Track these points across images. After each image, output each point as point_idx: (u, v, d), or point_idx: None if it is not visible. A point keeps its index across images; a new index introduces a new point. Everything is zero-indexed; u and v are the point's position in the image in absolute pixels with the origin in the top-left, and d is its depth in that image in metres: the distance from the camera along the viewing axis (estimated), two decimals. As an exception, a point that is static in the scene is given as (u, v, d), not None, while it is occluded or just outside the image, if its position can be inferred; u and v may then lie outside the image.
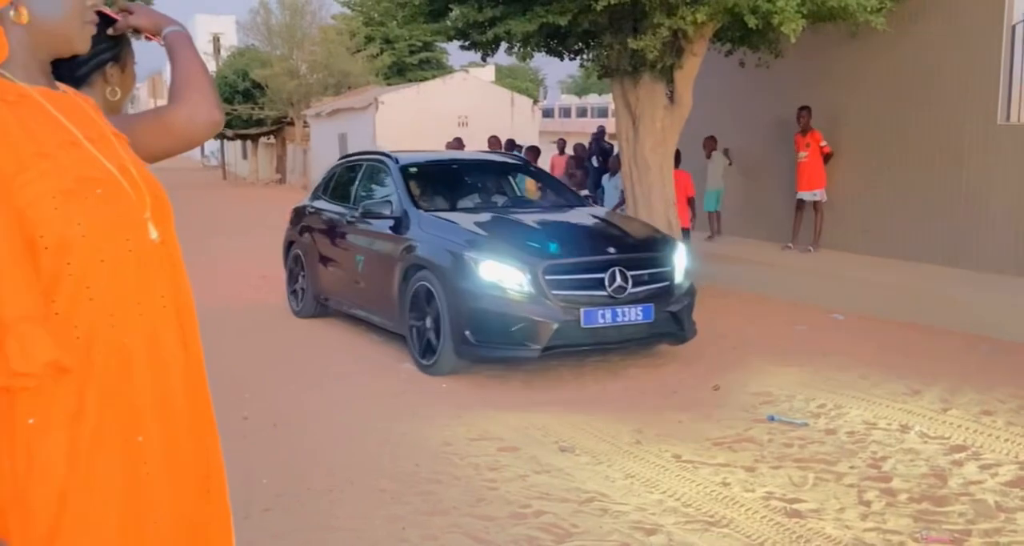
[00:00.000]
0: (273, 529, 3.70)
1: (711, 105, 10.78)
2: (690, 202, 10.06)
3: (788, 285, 9.03)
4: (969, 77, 8.70)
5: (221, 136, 33.63)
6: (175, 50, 1.84)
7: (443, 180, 7.90)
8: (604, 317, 5.82)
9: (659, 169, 8.85)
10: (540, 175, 8.69)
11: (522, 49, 9.12)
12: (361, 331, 7.58)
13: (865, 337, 7.23)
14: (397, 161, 7.43)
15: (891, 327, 7.55)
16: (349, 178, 8.15)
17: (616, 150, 11.55)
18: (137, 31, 1.90)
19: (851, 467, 4.32)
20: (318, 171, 27.46)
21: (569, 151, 16.79)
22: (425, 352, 6.21)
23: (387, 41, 37.19)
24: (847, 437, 4.77)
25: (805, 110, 9.96)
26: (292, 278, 8.56)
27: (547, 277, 5.80)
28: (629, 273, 5.93)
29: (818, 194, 10.08)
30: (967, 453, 4.49)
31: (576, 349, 5.99)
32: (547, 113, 43.84)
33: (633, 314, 5.90)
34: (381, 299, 6.82)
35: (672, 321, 6.15)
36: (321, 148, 29.61)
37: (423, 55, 39.40)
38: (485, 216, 6.92)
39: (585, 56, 9.86)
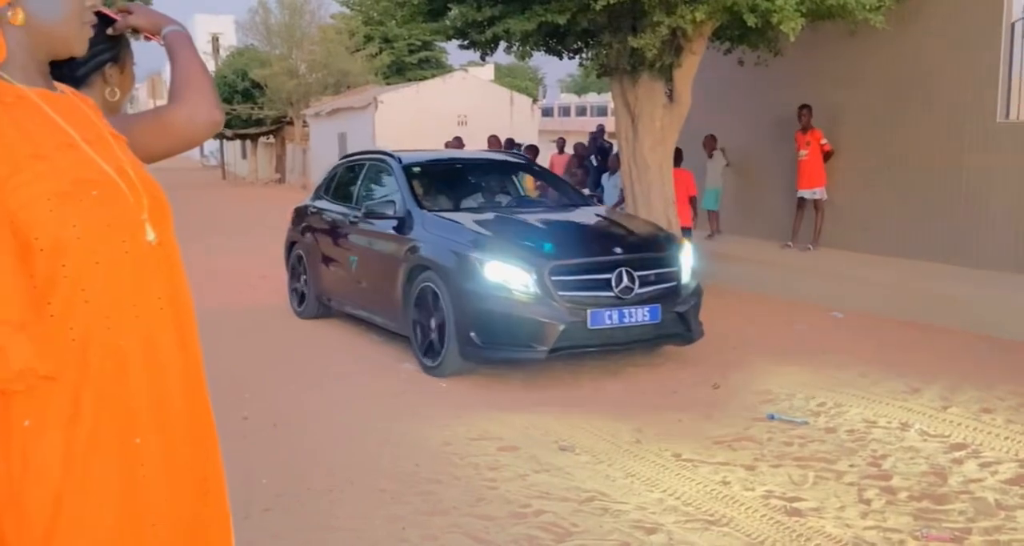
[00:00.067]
0: (273, 529, 3.70)
1: (710, 104, 10.78)
2: (692, 201, 10.05)
3: (787, 284, 9.03)
4: (968, 75, 8.70)
5: (220, 136, 33.64)
6: (174, 50, 1.83)
7: (447, 180, 7.84)
8: (611, 318, 5.77)
9: (658, 168, 8.84)
10: (544, 174, 8.64)
11: (521, 48, 9.12)
12: (361, 331, 7.58)
13: (865, 335, 7.23)
14: (400, 160, 7.37)
15: (891, 325, 7.56)
16: (351, 178, 8.10)
17: (615, 149, 11.55)
18: (136, 31, 1.90)
19: (851, 465, 4.32)
20: (317, 171, 27.47)
21: (569, 150, 16.79)
22: (429, 353, 6.17)
23: (386, 40, 37.17)
24: (847, 435, 4.77)
25: (806, 108, 9.96)
26: (294, 279, 8.51)
27: (553, 278, 5.75)
28: (636, 273, 5.87)
29: (818, 192, 10.08)
30: (967, 451, 4.49)
31: (583, 351, 5.94)
32: (546, 112, 43.82)
33: (640, 315, 5.85)
34: (384, 300, 6.78)
35: (679, 322, 6.10)
36: (320, 148, 29.61)
37: (422, 54, 39.38)
38: (489, 216, 6.87)
39: (584, 55, 9.85)
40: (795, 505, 3.84)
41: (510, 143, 15.16)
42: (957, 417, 5.03)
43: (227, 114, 26.12)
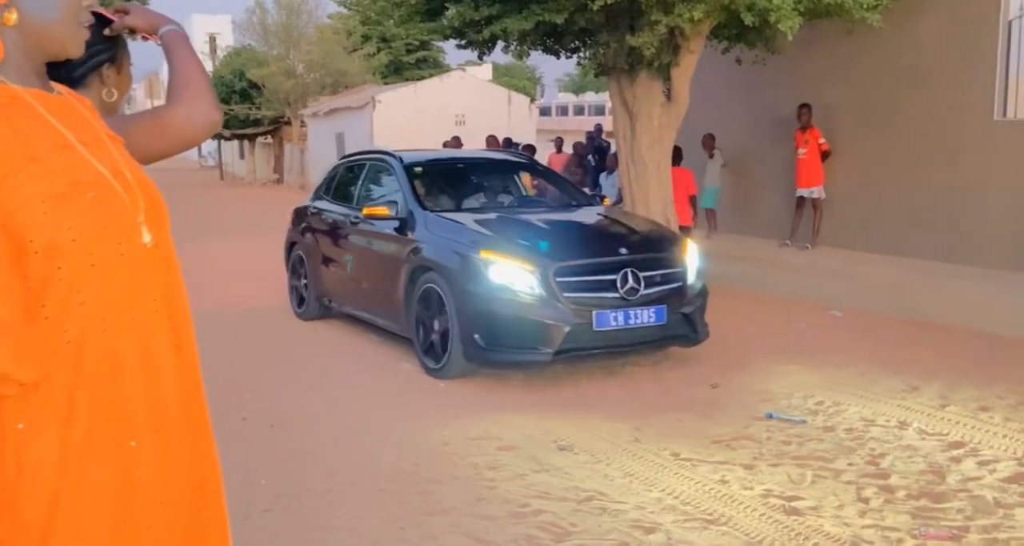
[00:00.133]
0: (273, 529, 3.70)
1: (708, 103, 10.78)
2: (692, 200, 10.04)
3: (786, 282, 9.03)
4: (966, 73, 8.70)
5: (218, 136, 33.63)
6: (172, 50, 1.83)
7: (449, 179, 7.78)
8: (616, 320, 5.70)
9: (656, 167, 8.84)
10: (547, 174, 8.56)
11: (518, 47, 9.11)
12: (359, 331, 7.58)
13: (863, 334, 7.24)
14: (401, 160, 7.30)
15: (889, 323, 7.56)
16: (351, 178, 8.04)
17: (613, 148, 11.55)
18: (133, 31, 1.89)
19: (849, 464, 4.32)
20: (315, 171, 27.47)
21: (567, 149, 16.78)
22: (432, 356, 6.11)
23: (384, 40, 37.18)
24: (845, 434, 4.78)
25: (806, 107, 9.96)
26: (294, 280, 8.46)
27: (558, 279, 5.68)
28: (641, 274, 5.81)
29: (816, 191, 10.08)
30: (965, 449, 4.49)
31: (588, 353, 5.83)
32: (544, 111, 43.83)
33: (646, 316, 5.79)
34: (386, 302, 6.72)
35: (685, 323, 6.05)
36: (318, 148, 29.60)
37: (420, 54, 39.39)
38: (492, 216, 6.81)
39: (582, 54, 9.85)
40: (793, 504, 3.84)
41: (508, 142, 15.16)
42: (955, 415, 5.03)
43: (225, 114, 26.05)
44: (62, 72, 1.66)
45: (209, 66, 35.65)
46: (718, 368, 6.16)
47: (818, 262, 9.45)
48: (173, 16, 1.97)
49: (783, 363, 6.27)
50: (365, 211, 6.94)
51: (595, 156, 15.08)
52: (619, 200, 10.02)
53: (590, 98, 48.80)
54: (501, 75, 49.45)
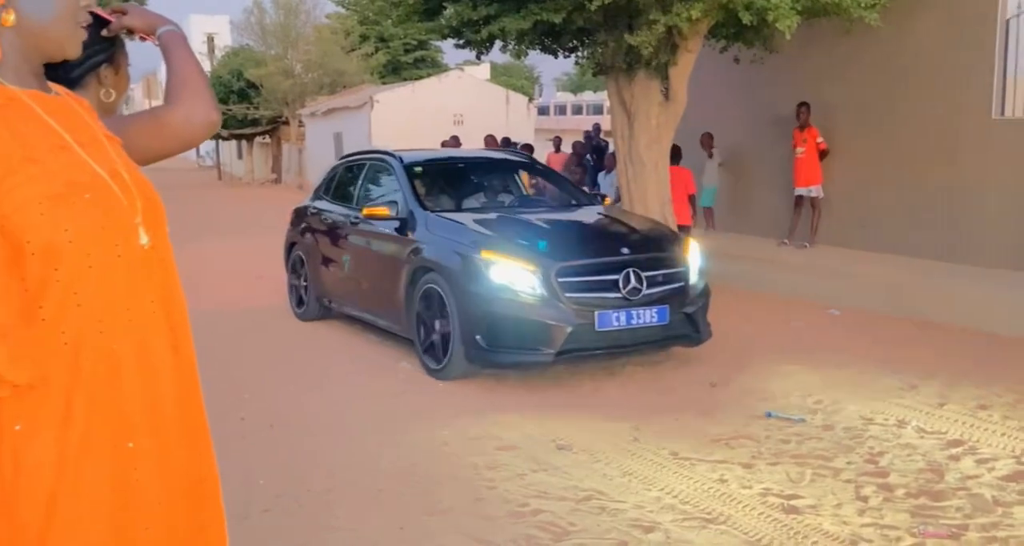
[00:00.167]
0: (272, 530, 3.70)
1: (706, 102, 10.78)
2: (691, 199, 10.04)
3: (784, 281, 9.03)
4: (964, 72, 8.71)
5: (216, 136, 33.60)
6: (170, 50, 1.83)
7: (449, 179, 7.74)
8: (618, 320, 5.66)
9: (654, 166, 8.84)
10: (547, 173, 8.53)
11: (516, 47, 9.11)
12: (357, 331, 7.57)
13: (861, 332, 7.24)
14: (401, 160, 7.26)
15: (887, 322, 7.57)
16: (351, 178, 8.01)
17: (611, 147, 11.55)
18: (131, 32, 1.89)
19: (848, 462, 4.33)
20: (314, 171, 27.47)
21: (565, 149, 16.78)
22: (434, 357, 6.07)
23: (382, 40, 37.18)
24: (844, 433, 4.78)
25: (804, 106, 9.96)
26: (294, 280, 8.42)
27: (560, 279, 5.64)
28: (643, 274, 5.78)
29: (814, 190, 10.09)
30: (964, 448, 4.50)
31: (590, 353, 5.80)
32: (542, 111, 43.84)
33: (648, 316, 5.75)
34: (387, 302, 6.68)
35: (687, 323, 6.01)
36: (316, 147, 29.59)
37: (418, 53, 39.39)
38: (493, 216, 6.78)
39: (580, 53, 9.84)
40: (792, 503, 3.84)
41: (506, 142, 15.15)
42: (954, 414, 5.04)
43: (223, 114, 26.06)
44: (60, 73, 1.66)
45: (207, 66, 35.65)
46: (717, 367, 6.16)
47: (816, 261, 9.45)
48: (171, 16, 1.97)
49: (782, 362, 6.27)
50: (365, 211, 6.90)
51: (593, 155, 15.08)
52: (617, 199, 10.02)
53: (588, 97, 48.81)
54: (499, 74, 49.44)
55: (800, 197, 10.21)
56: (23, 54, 1.43)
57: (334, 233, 7.70)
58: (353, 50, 33.02)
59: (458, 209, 7.02)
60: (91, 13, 1.66)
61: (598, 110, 39.62)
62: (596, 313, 5.63)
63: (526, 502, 3.90)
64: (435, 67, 38.66)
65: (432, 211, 6.65)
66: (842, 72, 9.95)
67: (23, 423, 1.28)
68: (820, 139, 9.92)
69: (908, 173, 9.29)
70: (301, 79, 31.93)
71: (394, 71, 37.99)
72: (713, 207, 11.59)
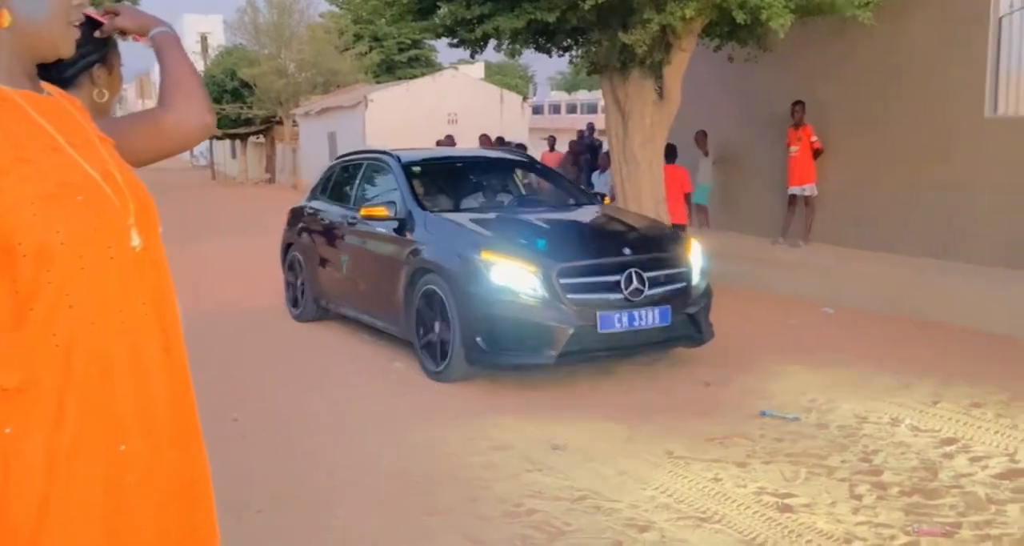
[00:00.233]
0: (268, 530, 3.69)
1: (700, 101, 10.79)
2: (687, 198, 10.05)
3: (779, 280, 9.04)
4: (957, 70, 8.73)
5: (210, 136, 33.52)
6: (163, 52, 1.82)
7: (448, 179, 7.66)
8: (621, 321, 5.60)
9: (648, 165, 8.85)
10: (547, 172, 8.46)
11: (511, 46, 9.11)
12: (353, 331, 7.56)
13: (856, 331, 7.26)
14: (399, 159, 7.17)
15: (881, 321, 7.58)
16: (348, 178, 7.93)
17: (605, 146, 11.57)
18: (124, 33, 1.89)
19: (842, 461, 4.33)
20: (307, 170, 27.46)
21: (560, 148, 16.79)
22: (434, 359, 6.00)
23: (376, 39, 37.16)
24: (838, 431, 4.79)
25: (799, 105, 9.98)
26: (291, 282, 8.34)
27: (561, 280, 5.58)
28: (645, 275, 5.71)
29: (808, 189, 10.11)
30: (957, 446, 4.51)
31: (593, 355, 5.75)
32: (537, 110, 43.84)
33: (650, 318, 5.68)
34: (386, 304, 6.60)
35: (689, 323, 5.96)
36: (310, 147, 29.57)
37: (412, 53, 39.38)
38: (493, 216, 6.72)
39: (574, 52, 9.85)
40: (787, 501, 3.85)
41: (500, 141, 15.16)
42: (948, 412, 5.05)
43: (216, 114, 26.02)
44: (52, 73, 1.66)
45: (200, 66, 35.57)
46: (711, 366, 6.16)
47: (810, 259, 9.47)
48: (164, 15, 1.96)
49: (776, 361, 6.28)
50: (363, 212, 6.82)
51: (587, 155, 15.09)
52: (612, 198, 10.02)
53: (583, 96, 48.83)
54: (493, 73, 49.43)
55: (794, 196, 10.23)
56: (16, 54, 1.42)
57: (331, 234, 7.63)
58: (347, 49, 33.01)
59: (457, 209, 6.95)
60: (84, 15, 1.65)
61: (592, 109, 39.62)
62: (598, 314, 5.56)
63: (521, 502, 3.90)
64: (429, 66, 38.65)
65: (431, 211, 6.58)
66: (836, 71, 9.97)
67: (13, 426, 1.28)
68: (815, 138, 9.94)
69: (902, 171, 9.32)
70: (295, 78, 31.89)
71: (388, 70, 37.98)
72: (707, 205, 11.61)
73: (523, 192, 8.01)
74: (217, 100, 31.10)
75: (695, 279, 6.10)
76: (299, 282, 8.15)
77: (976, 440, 4.59)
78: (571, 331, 5.51)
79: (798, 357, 6.36)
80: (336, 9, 38.53)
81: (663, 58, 8.36)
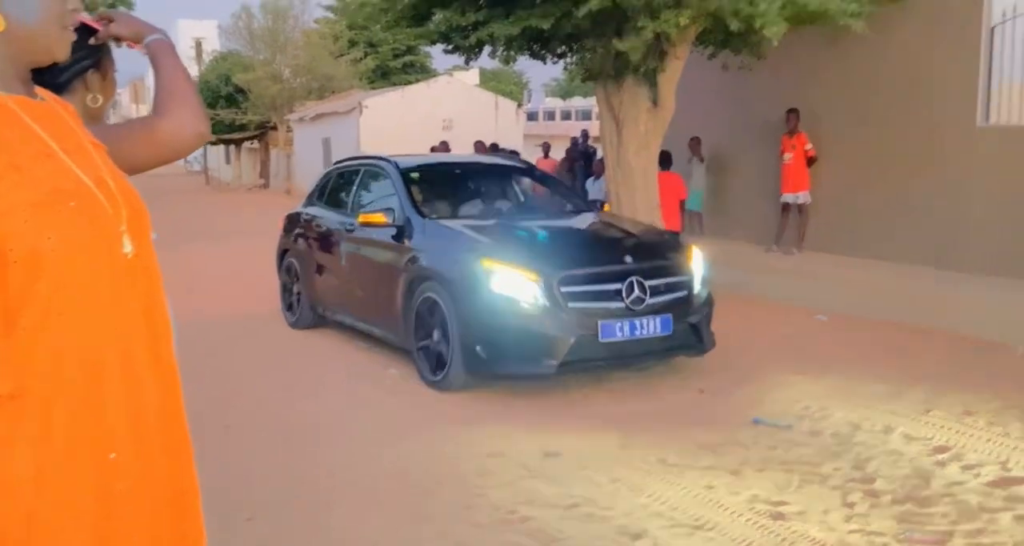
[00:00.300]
0: (260, 537, 3.67)
1: (695, 108, 10.82)
2: (682, 205, 10.06)
3: (772, 287, 9.06)
4: (949, 80, 8.78)
5: (203, 141, 33.45)
6: (158, 59, 1.82)
7: (446, 185, 7.59)
8: (622, 330, 5.53)
9: (643, 172, 8.86)
10: (546, 179, 8.41)
11: (505, 52, 9.11)
12: (347, 338, 7.54)
13: (849, 338, 7.27)
14: (397, 165, 7.12)
15: (875, 328, 7.59)
16: (345, 184, 7.87)
17: (599, 153, 11.59)
18: (119, 40, 1.89)
19: (835, 469, 4.34)
20: (302, 176, 27.44)
21: (554, 155, 16.83)
22: (433, 368, 5.93)
23: (370, 45, 37.18)
24: (831, 439, 4.79)
25: (793, 112, 10.02)
26: (287, 288, 8.28)
27: (563, 288, 5.50)
28: (647, 283, 5.65)
29: (802, 196, 10.14)
30: (950, 454, 4.51)
31: (594, 365, 5.71)
32: (531, 116, 43.90)
33: (652, 327, 5.62)
34: (384, 311, 6.52)
35: (691, 333, 5.91)
36: (305, 153, 29.55)
37: (407, 59, 39.41)
38: (493, 223, 6.64)
39: (569, 59, 9.86)
40: (780, 509, 3.85)
41: (495, 148, 15.18)
42: (940, 420, 5.06)
43: (210, 119, 26.01)
44: (46, 77, 1.65)
45: (195, 71, 35.60)
46: (705, 374, 6.16)
47: (804, 267, 9.49)
48: (158, 21, 1.97)
49: (770, 368, 6.28)
50: (361, 218, 6.72)
51: (581, 161, 15.13)
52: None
53: (577, 103, 48.94)
54: (488, 80, 49.48)
55: (787, 203, 10.25)
56: (9, 59, 1.42)
57: (328, 240, 7.56)
58: (342, 55, 33.00)
59: (456, 216, 6.89)
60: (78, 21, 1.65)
61: (587, 116, 39.73)
62: (599, 323, 5.49)
63: (515, 509, 3.90)
64: (424, 72, 38.67)
65: (430, 218, 6.53)
66: (829, 79, 10.02)
67: (2, 433, 1.27)
68: (809, 145, 9.97)
69: (895, 179, 9.35)
70: (289, 84, 31.88)
71: (383, 76, 37.99)
72: (702, 211, 11.63)
73: (522, 199, 7.95)
74: (211, 105, 31.08)
75: (696, 287, 6.06)
76: (295, 289, 8.08)
77: (968, 448, 4.59)
78: (572, 340, 5.44)
79: (791, 365, 6.36)
80: (331, 15, 38.57)
81: (657, 66, 8.38)
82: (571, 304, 5.52)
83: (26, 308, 1.29)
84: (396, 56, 38.92)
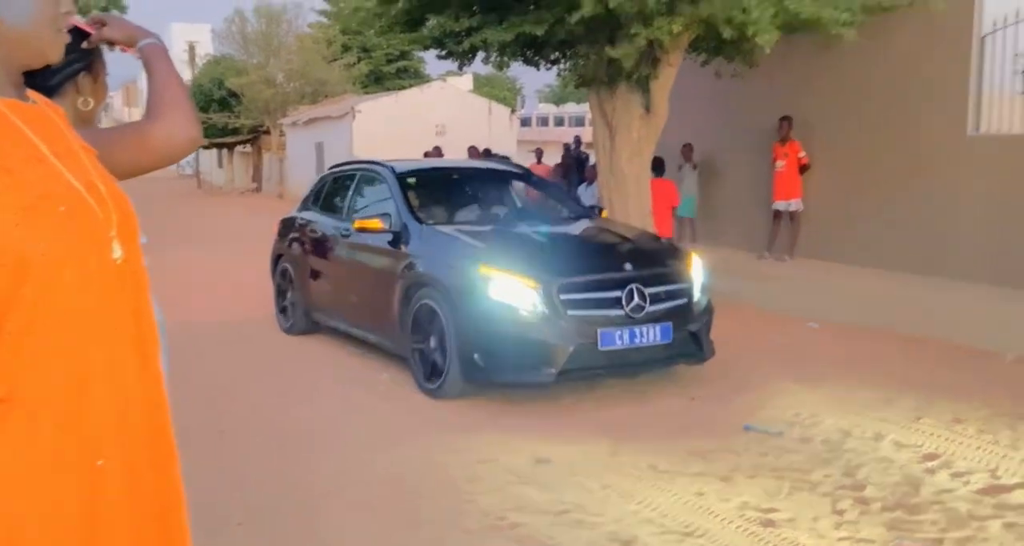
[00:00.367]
0: (251, 543, 3.66)
1: (687, 115, 10.85)
2: (674, 212, 10.07)
3: (763, 294, 9.08)
4: (940, 88, 8.83)
5: (196, 145, 33.40)
6: (151, 63, 1.82)
7: (443, 190, 7.51)
8: (622, 338, 5.47)
9: (635, 179, 8.88)
10: (543, 185, 8.37)
11: (499, 58, 9.12)
12: (340, 344, 7.52)
13: (840, 346, 7.28)
14: (394, 170, 7.04)
15: (866, 335, 7.61)
16: (341, 188, 7.80)
17: (591, 160, 11.61)
18: (111, 44, 1.88)
19: (825, 476, 4.34)
20: (294, 180, 27.42)
21: (547, 161, 16.84)
22: (430, 376, 5.86)
23: (364, 50, 37.17)
24: (822, 446, 4.80)
25: (786, 120, 10.05)
26: (281, 294, 8.20)
27: (562, 296, 5.44)
28: (647, 291, 5.60)
29: (794, 204, 10.17)
30: (939, 461, 4.52)
31: (593, 373, 5.66)
32: (525, 122, 43.98)
33: (651, 335, 5.56)
34: (380, 318, 6.46)
35: (691, 341, 5.88)
36: (297, 157, 29.54)
37: (400, 64, 39.42)
38: (490, 229, 6.59)
39: (562, 65, 9.89)
40: (770, 516, 3.85)
41: (487, 153, 15.19)
42: (930, 427, 5.07)
43: (203, 123, 25.96)
44: (37, 80, 1.65)
45: (188, 75, 35.50)
46: (696, 380, 6.17)
47: (795, 274, 9.52)
48: (152, 24, 1.97)
49: (761, 375, 6.29)
50: (357, 224, 6.64)
51: (574, 167, 15.15)
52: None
53: (570, 109, 49.01)
54: (482, 85, 49.51)
55: (778, 211, 10.28)
56: (1, 61, 1.41)
57: (323, 245, 7.51)
58: (335, 60, 33.00)
59: (453, 221, 6.83)
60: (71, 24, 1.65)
61: (580, 122, 39.78)
62: (599, 331, 5.44)
63: (505, 515, 3.89)
64: (417, 77, 38.70)
65: (426, 223, 6.47)
66: (820, 87, 10.06)
67: None
68: (802, 153, 10.01)
69: (886, 187, 9.39)
70: (282, 88, 31.86)
71: (376, 81, 37.99)
72: (694, 218, 11.64)
73: (519, 204, 7.89)
74: (204, 109, 31.04)
75: (696, 295, 6.02)
76: (289, 294, 8.02)
77: (958, 455, 4.61)
78: (571, 348, 5.39)
79: (783, 372, 6.37)
80: (325, 19, 38.54)
81: (650, 72, 8.41)
82: (570, 312, 5.47)
83: (12, 312, 1.28)
84: (390, 61, 38.93)
